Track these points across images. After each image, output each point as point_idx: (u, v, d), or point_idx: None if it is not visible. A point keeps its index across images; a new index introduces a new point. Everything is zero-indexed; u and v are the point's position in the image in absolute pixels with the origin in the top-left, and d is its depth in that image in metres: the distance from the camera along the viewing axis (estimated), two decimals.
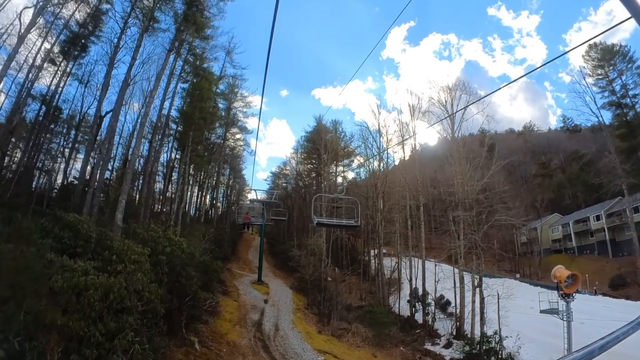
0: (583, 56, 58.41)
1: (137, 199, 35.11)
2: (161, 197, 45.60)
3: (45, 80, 34.88)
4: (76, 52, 36.67)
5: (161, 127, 37.62)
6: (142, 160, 37.18)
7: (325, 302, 35.35)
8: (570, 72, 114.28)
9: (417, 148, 56.02)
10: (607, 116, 58.54)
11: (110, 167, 38.46)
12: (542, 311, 27.36)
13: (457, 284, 34.57)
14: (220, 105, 51.45)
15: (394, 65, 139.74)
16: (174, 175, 44.34)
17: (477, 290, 32.64)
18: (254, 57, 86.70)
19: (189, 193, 55.44)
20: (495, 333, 28.95)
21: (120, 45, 33.02)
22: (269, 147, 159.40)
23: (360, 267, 55.00)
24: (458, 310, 34.34)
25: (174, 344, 20.35)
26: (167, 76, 38.01)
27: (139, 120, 30.94)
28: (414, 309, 38.74)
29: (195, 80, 37.19)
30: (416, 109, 43.25)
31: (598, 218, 58.55)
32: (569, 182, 74.16)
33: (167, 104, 38.82)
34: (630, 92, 54.14)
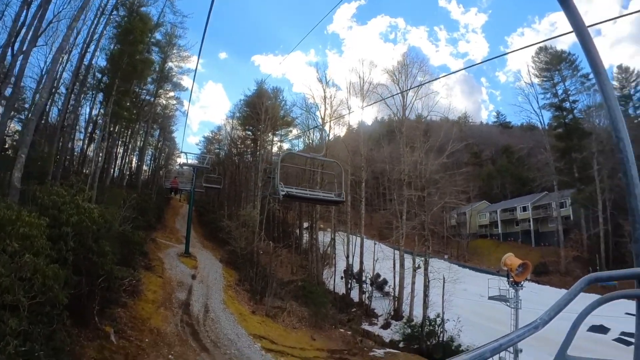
0: (532, 57, 59.42)
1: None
2: (81, 157, 39.01)
3: None
4: None
5: (83, 74, 31.17)
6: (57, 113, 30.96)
7: (258, 278, 31.71)
8: (507, 73, 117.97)
9: (362, 122, 52.96)
10: (545, 116, 60.43)
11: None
12: (490, 297, 25.66)
13: (397, 265, 32.12)
14: (155, 58, 45.02)
15: (338, 41, 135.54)
16: (98, 134, 37.74)
17: (418, 272, 30.46)
18: (194, 12, 78.37)
19: (112, 153, 49.18)
20: (438, 316, 26.92)
21: None
22: (202, 111, 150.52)
23: (291, 240, 51.95)
24: (397, 291, 31.99)
25: (85, 337, 15.94)
26: (96, 14, 31.81)
27: (50, 56, 24.58)
28: (349, 286, 35.95)
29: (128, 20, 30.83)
30: (361, 87, 39.70)
31: (525, 209, 60.39)
32: (498, 173, 76.79)
33: (95, 53, 32.63)
34: (571, 98, 56.14)
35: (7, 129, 25.96)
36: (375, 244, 36.53)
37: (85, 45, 32.00)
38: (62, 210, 15.36)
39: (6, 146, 25.07)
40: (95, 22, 32.11)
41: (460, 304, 29.19)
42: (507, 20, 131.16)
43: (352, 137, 55.40)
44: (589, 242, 47.84)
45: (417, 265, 30.44)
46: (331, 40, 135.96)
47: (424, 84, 32.83)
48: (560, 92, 56.55)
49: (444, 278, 27.70)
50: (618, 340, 26.12)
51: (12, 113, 24.12)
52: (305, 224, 52.22)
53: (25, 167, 21.87)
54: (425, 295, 28.53)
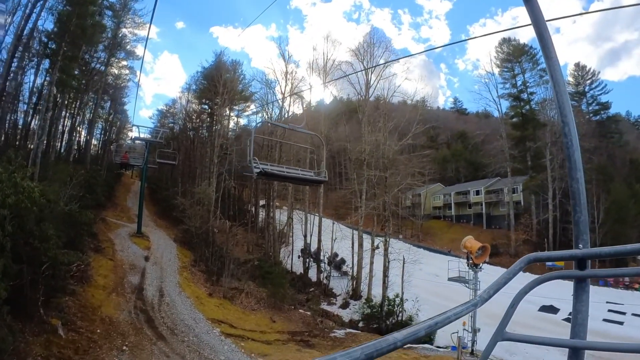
0: (495, 47, 60.06)
1: None
2: (24, 130, 35.64)
3: None
4: None
5: (27, 37, 28.00)
6: None
7: (214, 258, 30.47)
8: (466, 61, 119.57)
9: (322, 100, 51.79)
10: (503, 106, 61.44)
11: None
12: (450, 279, 25.74)
13: (356, 245, 31.68)
14: (108, 24, 41.51)
15: (300, 17, 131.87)
16: (43, 105, 34.35)
17: (377, 252, 30.16)
18: None
19: (58, 126, 45.61)
20: (397, 296, 26.76)
21: None
22: (156, 83, 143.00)
23: (247, 219, 50.56)
24: (355, 271, 31.61)
25: (29, 332, 14.39)
26: None
27: None
28: (307, 266, 35.28)
29: None
30: (325, 63, 38.41)
31: (478, 193, 61.42)
32: (453, 157, 78.24)
33: (41, 14, 29.35)
34: (529, 90, 57.29)
35: None
36: (333, 223, 35.92)
37: (30, 6, 28.95)
38: None
39: None
40: None
41: (418, 283, 29.17)
42: (470, 10, 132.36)
43: (311, 115, 54.19)
44: (538, 226, 49.62)
45: (375, 246, 30.13)
46: (293, 15, 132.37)
47: (389, 62, 32.17)
48: (519, 83, 57.77)
49: (403, 259, 27.50)
50: (567, 320, 26.92)
51: None
52: (261, 202, 51.13)
53: None
54: (385, 276, 28.32)
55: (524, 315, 23.26)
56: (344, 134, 49.66)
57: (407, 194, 64.21)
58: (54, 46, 29.61)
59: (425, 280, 29.95)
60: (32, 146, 26.57)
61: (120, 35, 43.74)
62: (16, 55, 27.78)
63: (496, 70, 59.21)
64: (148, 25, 42.80)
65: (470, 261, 22.72)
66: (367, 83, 33.07)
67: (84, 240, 24.09)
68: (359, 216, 31.44)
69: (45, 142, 32.55)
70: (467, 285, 23.44)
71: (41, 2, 29.16)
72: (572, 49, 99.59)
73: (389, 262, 28.31)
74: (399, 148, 30.65)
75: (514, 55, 57.54)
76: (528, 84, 57.20)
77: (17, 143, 31.89)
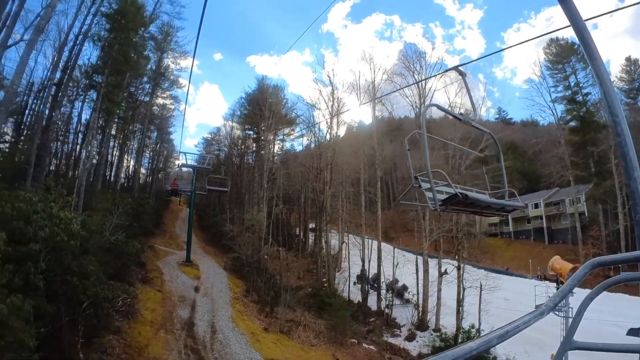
0: (544, 49, 55.46)
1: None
2: (71, 160, 35.07)
3: None
4: None
5: (71, 66, 27.19)
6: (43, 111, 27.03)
7: (267, 287, 28.08)
8: (504, 69, 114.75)
9: (377, 116, 49.29)
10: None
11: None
12: (538, 306, 22.13)
13: (421, 270, 28.45)
14: (152, 55, 41.30)
15: (333, 40, 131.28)
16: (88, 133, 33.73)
17: (444, 277, 26.88)
18: (191, 1, 73.78)
19: (107, 156, 45.27)
20: (473, 327, 23.34)
21: None
22: (198, 114, 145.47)
23: (295, 243, 48.33)
24: (420, 299, 28.31)
25: None
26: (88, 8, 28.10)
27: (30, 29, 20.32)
28: (365, 293, 32.21)
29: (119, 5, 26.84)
30: (372, 80, 35.94)
31: (536, 206, 56.65)
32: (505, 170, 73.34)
33: (83, 44, 28.69)
34: (583, 90, 51.65)
35: None
36: (394, 248, 32.86)
37: (75, 40, 28.37)
38: (31, 221, 11.66)
39: None
40: (86, 15, 28.51)
41: (491, 310, 25.63)
42: (502, 16, 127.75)
43: (353, 137, 51.98)
44: (609, 238, 44.28)
45: (443, 271, 26.89)
46: (326, 39, 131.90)
47: (445, 72, 29.24)
48: (572, 84, 52.45)
49: (480, 286, 24.08)
50: None
51: None
52: (311, 225, 48.94)
53: None
54: (460, 305, 24.88)
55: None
56: (390, 152, 47.00)
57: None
58: (99, 79, 28.70)
59: (500, 307, 26.27)
60: (77, 175, 25.24)
61: (163, 65, 43.42)
62: (62, 86, 26.85)
63: (545, 73, 54.88)
64: (190, 57, 42.40)
65: (560, 284, 19.21)
66: (421, 95, 30.20)
67: (131, 271, 22.34)
68: (423, 239, 28.22)
69: (93, 171, 31.71)
70: (558, 313, 19.83)
71: (86, 36, 28.54)
72: (613, 44, 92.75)
73: (464, 289, 24.87)
74: (469, 163, 27.44)
75: (562, 55, 52.66)
76: (581, 85, 51.79)
77: (65, 172, 31.16)
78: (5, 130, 28.03)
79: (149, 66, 42.15)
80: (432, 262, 28.68)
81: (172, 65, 45.19)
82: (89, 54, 31.48)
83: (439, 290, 26.67)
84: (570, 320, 18.68)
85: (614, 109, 1.78)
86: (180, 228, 42.48)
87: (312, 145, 52.22)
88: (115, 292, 16.94)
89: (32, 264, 10.93)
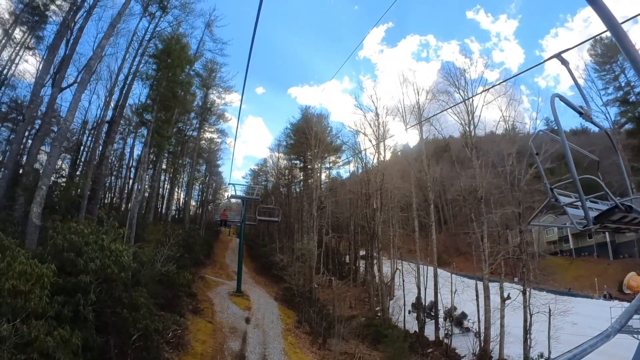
0: (588, 50, 52.15)
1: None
2: (124, 194, 36.22)
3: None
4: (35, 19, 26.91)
5: (121, 103, 28.17)
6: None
7: (319, 318, 27.11)
8: (546, 77, 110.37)
9: (424, 138, 48.25)
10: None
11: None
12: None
13: (481, 296, 26.59)
14: (198, 92, 42.65)
15: (371, 65, 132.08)
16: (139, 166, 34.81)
17: (506, 303, 24.94)
18: (233, 38, 76.44)
19: (158, 189, 46.51)
20: (541, 356, 21.31)
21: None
22: (244, 146, 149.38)
23: (345, 271, 47.29)
24: (482, 327, 26.38)
25: None
26: (136, 50, 29.34)
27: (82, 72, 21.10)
28: (422, 322, 30.49)
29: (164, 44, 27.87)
30: (417, 101, 34.93)
31: None
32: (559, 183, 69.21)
33: (133, 82, 29.80)
34: (636, 90, 47.83)
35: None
36: (452, 274, 31.19)
37: (125, 80, 29.56)
38: (83, 252, 11.57)
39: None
40: (134, 57, 29.76)
41: (563, 338, 23.39)
42: (538, 23, 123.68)
43: (399, 161, 50.96)
44: None
45: (506, 296, 24.98)
46: (364, 65, 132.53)
47: (492, 86, 28.17)
48: (623, 84, 48.76)
49: (549, 311, 22.11)
50: None
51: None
52: (361, 252, 47.91)
53: (53, 201, 18.67)
54: (527, 332, 22.89)
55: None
56: (438, 174, 45.44)
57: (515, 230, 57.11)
58: (149, 117, 29.56)
59: (571, 333, 23.96)
60: (129, 208, 25.65)
61: (209, 101, 44.56)
62: (114, 122, 27.83)
63: (592, 76, 50.70)
64: (235, 93, 43.30)
65: None
66: (469, 112, 28.89)
67: (182, 302, 22.12)
68: (482, 262, 26.47)
69: (145, 204, 32.44)
70: (636, 336, 17.60)
71: (135, 75, 29.62)
72: None
73: (531, 315, 22.91)
74: (529, 179, 25.78)
75: (608, 55, 49.06)
76: (633, 84, 47.45)
77: (118, 205, 32.06)
78: (62, 166, 29.38)
79: (196, 102, 43.52)
80: (493, 288, 26.82)
81: (217, 100, 46.35)
82: (139, 92, 32.78)
83: (502, 317, 24.72)
84: None
85: None
86: (230, 258, 42.55)
87: (358, 171, 51.78)
88: (166, 323, 16.68)
89: (82, 295, 10.75)
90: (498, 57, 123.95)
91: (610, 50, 48.54)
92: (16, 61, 26.36)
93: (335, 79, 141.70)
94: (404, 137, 48.42)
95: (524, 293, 23.50)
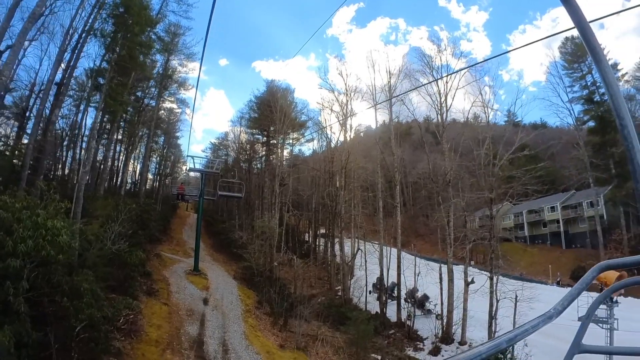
0: (559, 48, 53.39)
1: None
2: (73, 165, 33.17)
3: None
4: None
5: (73, 63, 25.19)
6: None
7: (280, 298, 25.93)
8: (510, 71, 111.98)
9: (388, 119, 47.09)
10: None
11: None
12: (580, 318, 19.70)
13: (445, 279, 26.17)
14: (158, 58, 39.65)
15: (338, 44, 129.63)
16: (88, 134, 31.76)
17: (483, 290, 24.59)
18: (196, 15, 72.12)
19: (114, 161, 43.54)
20: None
21: None
22: (205, 119, 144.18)
23: (304, 249, 46.32)
24: (445, 309, 25.99)
25: None
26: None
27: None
28: (385, 303, 29.90)
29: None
30: (389, 81, 33.49)
31: (553, 209, 53.97)
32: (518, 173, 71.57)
33: (87, 40, 26.77)
34: (601, 90, 48.35)
35: None
36: (416, 256, 30.59)
37: (78, 39, 26.54)
38: (13, 231, 9.68)
39: None
40: (90, 13, 26.71)
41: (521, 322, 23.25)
42: (508, 17, 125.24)
43: (362, 141, 50.05)
44: (633, 242, 41.92)
45: (470, 280, 24.62)
46: (331, 43, 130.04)
47: (466, 68, 27.27)
48: (589, 83, 50.23)
49: (516, 296, 21.77)
50: None
51: None
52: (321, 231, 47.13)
53: None
54: (493, 318, 22.56)
55: None
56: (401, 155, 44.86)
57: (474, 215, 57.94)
58: (104, 82, 26.71)
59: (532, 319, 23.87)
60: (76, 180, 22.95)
61: (170, 67, 41.55)
62: (63, 84, 24.91)
63: (560, 73, 52.83)
64: (197, 61, 40.64)
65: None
66: (441, 94, 27.86)
67: (135, 282, 20.22)
68: (447, 246, 25.93)
69: (96, 176, 29.84)
70: (602, 325, 17.51)
71: (89, 34, 26.63)
72: (619, 43, 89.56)
73: (497, 300, 22.52)
74: (504, 164, 25.20)
75: (578, 54, 50.25)
76: (599, 84, 47.10)
77: (65, 176, 29.26)
78: (7, 133, 26.35)
79: (156, 70, 40.57)
80: (457, 272, 26.44)
81: (179, 68, 43.41)
82: (95, 55, 29.83)
83: (465, 300, 24.41)
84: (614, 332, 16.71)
85: (620, 112, 1.58)
86: (188, 234, 40.54)
87: (321, 149, 50.56)
88: (117, 307, 15.03)
89: (11, 283, 8.93)
90: (465, 47, 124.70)
91: (580, 50, 49.31)
92: None
93: (302, 55, 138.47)
94: (369, 118, 47.35)
95: (490, 279, 23.10)
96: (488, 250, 48.10)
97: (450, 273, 25.50)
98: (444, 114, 27.47)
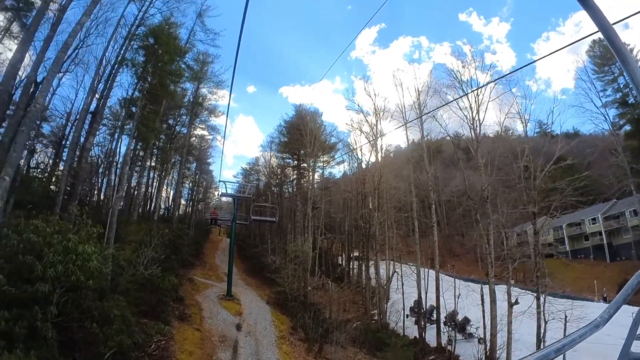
0: (587, 52, 51.23)
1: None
2: (109, 191, 33.83)
3: None
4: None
5: (106, 92, 25.87)
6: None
7: (315, 323, 25.13)
8: (538, 81, 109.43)
9: (418, 138, 46.29)
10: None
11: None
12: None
13: (487, 301, 24.77)
14: (188, 86, 40.55)
15: (362, 66, 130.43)
16: (121, 160, 32.49)
17: (529, 311, 23.14)
18: (225, 29, 73.74)
19: (148, 188, 44.39)
20: None
21: None
22: (235, 146, 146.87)
23: (337, 273, 45.42)
24: (488, 332, 24.55)
25: None
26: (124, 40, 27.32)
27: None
28: (422, 327, 28.63)
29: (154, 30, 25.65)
30: (417, 98, 32.93)
31: (594, 221, 51.36)
32: (537, 186, 68.33)
33: (119, 71, 27.54)
34: (634, 91, 46.10)
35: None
36: (455, 278, 29.31)
37: (111, 70, 27.35)
38: (43, 255, 9.52)
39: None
40: (122, 45, 27.59)
41: (580, 346, 21.48)
42: (530, 26, 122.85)
43: (392, 162, 49.29)
44: None
45: (514, 301, 23.20)
46: (356, 65, 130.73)
47: (496, 80, 26.51)
48: (621, 86, 47.65)
49: (565, 316, 20.33)
50: None
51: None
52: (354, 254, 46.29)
53: (25, 196, 16.55)
54: (542, 340, 21.07)
55: None
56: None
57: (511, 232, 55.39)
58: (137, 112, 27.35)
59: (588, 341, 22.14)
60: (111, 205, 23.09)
61: (200, 95, 42.33)
62: (97, 113, 25.55)
63: (591, 77, 49.46)
64: (227, 88, 41.30)
65: None
66: (471, 108, 27.00)
67: (167, 308, 19.95)
68: (488, 265, 24.65)
69: (130, 202, 30.32)
70: None
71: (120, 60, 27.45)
72: None
73: (546, 322, 21.10)
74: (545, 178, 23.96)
75: (607, 56, 47.44)
76: (631, 86, 45.93)
77: (100, 202, 29.80)
78: (43, 160, 27.15)
79: (187, 98, 41.45)
80: (499, 292, 25.05)
81: (209, 95, 44.24)
82: (127, 85, 30.86)
83: (510, 322, 22.96)
84: None
85: None
86: (220, 259, 40.46)
87: (352, 171, 50.14)
88: (149, 332, 14.72)
89: (39, 308, 8.72)
90: (490, 60, 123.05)
91: (609, 52, 47.03)
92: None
93: (327, 79, 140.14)
94: (397, 138, 46.73)
95: (537, 298, 21.68)
96: (529, 268, 46.12)
97: (493, 294, 24.12)
98: (477, 128, 26.57)
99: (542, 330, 21.08)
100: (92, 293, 10.59)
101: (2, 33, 23.87)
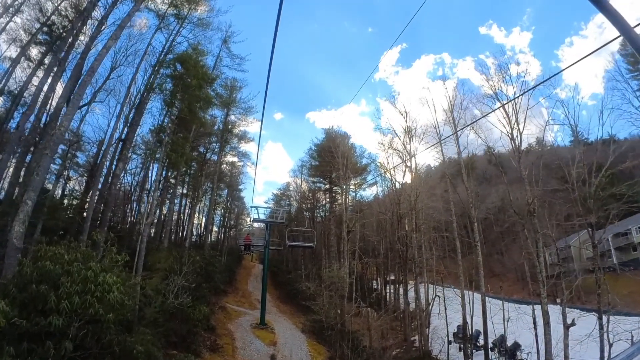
0: (619, 50, 47.81)
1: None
2: (140, 219, 33.69)
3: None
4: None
5: (133, 118, 25.91)
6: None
7: (354, 354, 23.60)
8: (565, 88, 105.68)
9: (450, 156, 44.51)
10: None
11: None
12: None
13: (540, 323, 22.63)
14: (217, 113, 40.65)
15: (387, 87, 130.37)
16: (152, 186, 32.48)
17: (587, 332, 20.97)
18: (251, 53, 74.84)
19: (179, 215, 44.23)
20: None
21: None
22: (265, 172, 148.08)
23: (373, 297, 43.67)
24: (541, 359, 22.33)
25: None
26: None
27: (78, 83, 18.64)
28: (468, 354, 26.54)
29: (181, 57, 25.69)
30: (451, 114, 31.58)
31: None
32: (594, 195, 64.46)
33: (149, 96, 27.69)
34: None
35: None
36: (503, 301, 27.22)
37: (142, 98, 27.47)
38: (60, 285, 8.70)
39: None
40: (150, 74, 27.83)
41: None
42: (552, 32, 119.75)
43: (425, 181, 47.65)
44: None
45: (571, 322, 21.03)
46: (380, 87, 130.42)
47: (532, 88, 25.00)
48: None
49: (632, 336, 18.20)
50: None
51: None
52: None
53: (51, 222, 16.07)
54: None
55: None
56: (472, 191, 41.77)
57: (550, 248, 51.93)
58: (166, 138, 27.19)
59: None
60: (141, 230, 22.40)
61: (230, 122, 42.25)
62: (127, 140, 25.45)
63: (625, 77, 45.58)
64: (255, 114, 41.17)
65: None
66: (509, 117, 25.47)
67: (198, 338, 18.94)
68: (539, 284, 22.55)
69: (160, 229, 29.99)
70: None
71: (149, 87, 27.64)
72: None
73: (610, 345, 18.95)
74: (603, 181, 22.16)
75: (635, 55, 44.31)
76: None
77: (129, 228, 29.54)
78: (74, 186, 27.20)
79: (216, 126, 41.51)
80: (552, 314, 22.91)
81: (238, 122, 44.15)
82: (156, 111, 31.14)
83: (566, 346, 20.76)
84: None
85: None
86: (253, 285, 39.54)
87: (384, 192, 48.85)
88: None
89: (52, 343, 7.84)
90: (514, 70, 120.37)
91: None
92: (33, 82, 24.30)
93: (353, 102, 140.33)
94: (426, 157, 45.26)
95: (599, 318, 19.50)
96: (576, 285, 42.84)
97: (546, 315, 21.96)
98: (517, 139, 24.93)
99: (605, 355, 18.83)
100: (114, 326, 9.67)
101: (36, 65, 24.26)
